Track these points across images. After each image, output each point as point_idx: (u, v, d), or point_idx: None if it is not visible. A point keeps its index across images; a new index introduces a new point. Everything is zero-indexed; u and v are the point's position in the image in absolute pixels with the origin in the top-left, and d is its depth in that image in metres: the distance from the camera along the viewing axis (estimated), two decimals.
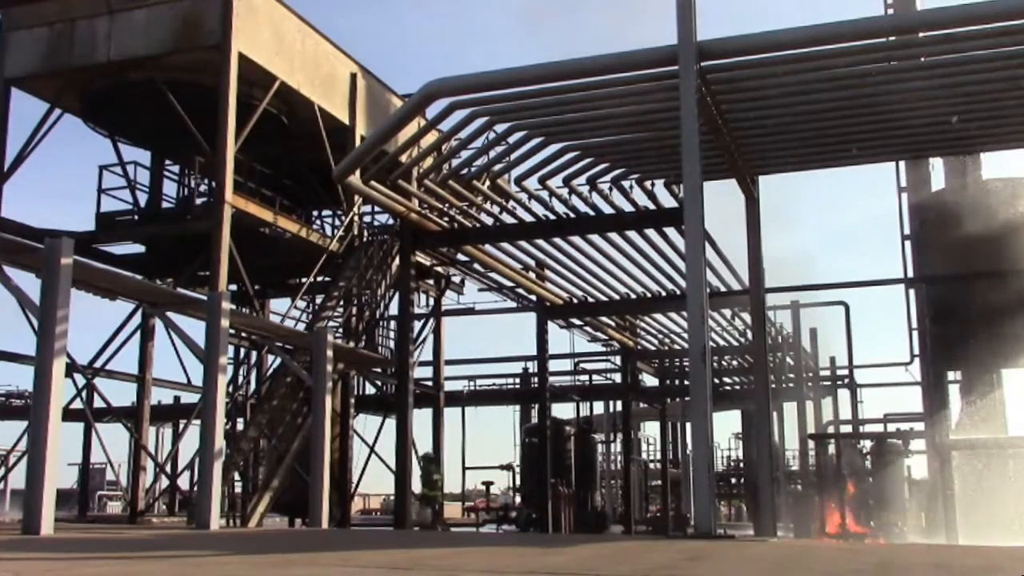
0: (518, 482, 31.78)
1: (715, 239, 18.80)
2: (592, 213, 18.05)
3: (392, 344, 21.14)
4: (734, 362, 31.74)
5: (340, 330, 19.97)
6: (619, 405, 33.66)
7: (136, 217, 20.09)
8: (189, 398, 29.32)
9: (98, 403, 22.87)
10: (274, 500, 18.01)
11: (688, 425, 34.72)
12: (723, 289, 22.05)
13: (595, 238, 19.27)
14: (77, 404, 20.07)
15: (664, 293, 23.16)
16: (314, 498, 15.93)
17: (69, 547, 9.22)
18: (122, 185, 20.16)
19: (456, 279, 25.03)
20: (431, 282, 24.68)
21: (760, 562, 8.03)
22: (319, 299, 21.80)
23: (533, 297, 23.96)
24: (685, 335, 22.16)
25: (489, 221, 18.69)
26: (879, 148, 15.92)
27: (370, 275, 20.58)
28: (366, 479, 24.15)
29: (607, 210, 17.86)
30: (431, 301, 25.31)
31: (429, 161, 16.90)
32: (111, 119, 20.06)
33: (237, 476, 18.86)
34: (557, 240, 19.28)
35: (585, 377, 33.82)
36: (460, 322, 27.86)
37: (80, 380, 19.76)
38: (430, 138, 16.80)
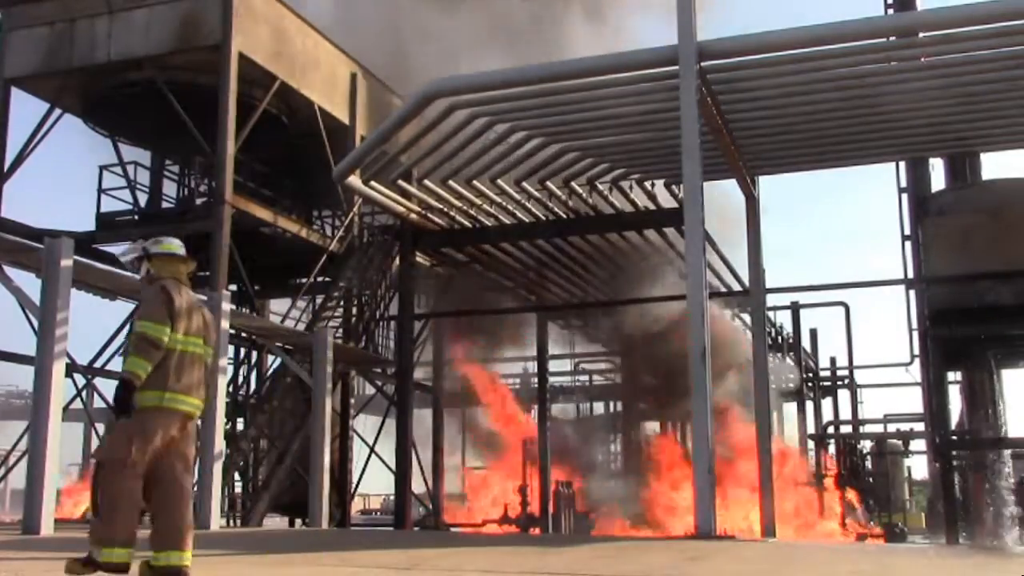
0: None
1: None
2: (592, 213, 18.05)
3: (392, 344, 21.14)
4: None
5: (340, 330, 19.96)
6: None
7: (136, 217, 20.06)
8: None
9: (98, 403, 22.85)
10: (274, 500, 18.01)
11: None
12: (723, 289, 22.04)
13: (595, 238, 19.25)
14: (77, 404, 20.05)
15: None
16: (314, 498, 15.94)
17: (69, 547, 9.21)
18: (122, 185, 20.11)
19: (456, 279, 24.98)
20: (431, 282, 24.63)
21: (760, 563, 8.04)
22: (319, 299, 21.78)
23: (533, 297, 23.94)
24: None
25: (489, 221, 18.69)
26: (879, 148, 15.92)
27: (370, 275, 20.57)
28: (366, 479, 24.05)
29: (607, 210, 17.86)
30: (431, 301, 25.27)
31: (429, 161, 16.91)
32: (111, 119, 20.03)
33: (237, 476, 18.85)
34: (557, 240, 19.29)
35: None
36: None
37: (80, 380, 19.75)
38: (430, 138, 16.81)
